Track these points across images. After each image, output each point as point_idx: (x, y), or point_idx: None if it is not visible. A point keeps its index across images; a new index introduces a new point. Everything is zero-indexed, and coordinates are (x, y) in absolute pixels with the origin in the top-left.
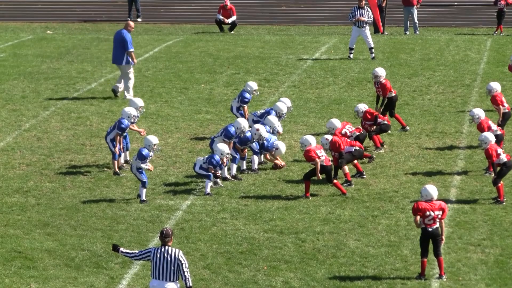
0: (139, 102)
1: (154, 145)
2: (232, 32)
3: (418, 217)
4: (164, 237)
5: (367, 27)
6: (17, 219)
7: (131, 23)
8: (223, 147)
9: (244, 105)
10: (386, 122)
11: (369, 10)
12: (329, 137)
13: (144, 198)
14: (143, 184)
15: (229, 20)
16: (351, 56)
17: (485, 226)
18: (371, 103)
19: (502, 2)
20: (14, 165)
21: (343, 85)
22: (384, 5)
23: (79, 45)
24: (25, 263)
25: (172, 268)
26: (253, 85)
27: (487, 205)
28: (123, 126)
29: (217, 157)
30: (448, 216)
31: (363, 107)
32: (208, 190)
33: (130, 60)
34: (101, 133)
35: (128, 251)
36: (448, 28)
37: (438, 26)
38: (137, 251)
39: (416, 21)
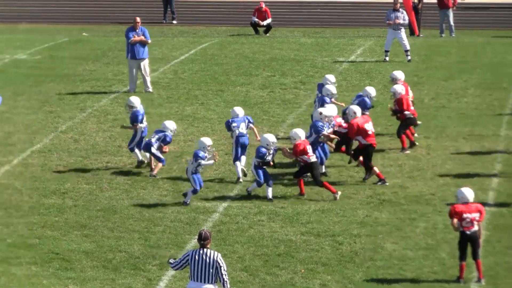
0: (207, 141)
1: (208, 146)
2: (267, 34)
3: (456, 220)
4: (203, 240)
5: (403, 30)
6: (54, 220)
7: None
8: (269, 137)
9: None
10: (412, 116)
11: (405, 12)
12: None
13: (188, 201)
14: (194, 191)
15: (264, 23)
16: (387, 58)
17: None
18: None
19: None
20: (51, 167)
21: (379, 87)
22: (419, 7)
23: (115, 47)
24: (63, 265)
25: (211, 270)
26: (331, 88)
27: None
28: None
29: (262, 149)
30: (486, 219)
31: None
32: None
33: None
34: None
35: (171, 261)
36: (485, 30)
37: (474, 29)
38: (177, 260)
39: (452, 23)
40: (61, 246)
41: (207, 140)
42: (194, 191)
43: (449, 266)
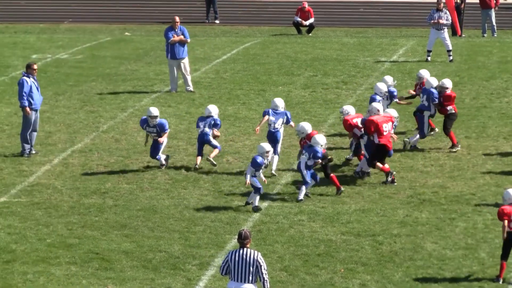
0: (267, 147)
1: (267, 152)
2: (310, 34)
3: (506, 222)
4: (243, 239)
5: (446, 30)
6: (94, 220)
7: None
8: (321, 138)
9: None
10: (454, 111)
11: (448, 12)
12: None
13: (257, 204)
14: (258, 191)
15: (307, 22)
16: (429, 58)
17: None
18: None
19: None
20: (92, 166)
21: None
22: (462, 7)
23: (157, 46)
24: (102, 265)
25: (251, 269)
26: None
27: None
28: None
29: (318, 148)
30: None
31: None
32: (301, 197)
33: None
34: (179, 135)
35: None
36: None
37: None
38: (221, 265)
39: (494, 23)
40: (101, 246)
41: (267, 146)
42: (258, 191)
43: (488, 266)
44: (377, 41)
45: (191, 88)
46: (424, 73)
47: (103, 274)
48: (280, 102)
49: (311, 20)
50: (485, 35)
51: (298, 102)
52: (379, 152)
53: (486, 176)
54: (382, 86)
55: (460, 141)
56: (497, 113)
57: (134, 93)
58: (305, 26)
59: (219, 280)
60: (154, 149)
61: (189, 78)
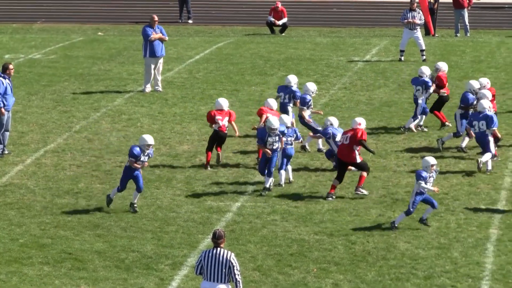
0: (432, 160)
1: (432, 166)
2: (283, 34)
3: None
4: (217, 239)
5: (419, 29)
6: (67, 220)
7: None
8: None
9: None
10: (445, 94)
11: (421, 12)
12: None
13: (396, 223)
14: (407, 212)
15: (280, 22)
16: (402, 58)
17: None
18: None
19: None
20: (65, 166)
21: (394, 87)
22: (435, 7)
23: (130, 46)
24: (75, 265)
25: (223, 269)
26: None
27: None
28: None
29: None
30: (498, 218)
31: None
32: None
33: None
34: (152, 135)
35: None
36: (499, 30)
37: (489, 28)
38: (195, 265)
39: (467, 23)
40: (74, 246)
41: (432, 160)
42: (408, 213)
43: (461, 265)
44: (350, 40)
45: (160, 88)
46: (442, 65)
47: (76, 274)
48: (284, 119)
49: (284, 20)
50: (458, 34)
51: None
52: None
53: (458, 176)
54: (311, 86)
55: (432, 141)
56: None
57: (107, 93)
58: (278, 26)
59: (192, 280)
60: (138, 181)
61: (160, 78)
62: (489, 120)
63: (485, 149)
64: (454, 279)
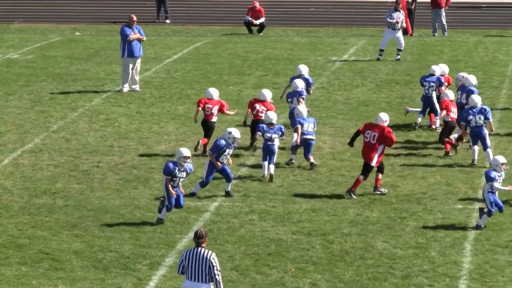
0: (501, 159)
1: (502, 164)
2: (261, 34)
3: None
4: (198, 238)
5: (401, 30)
6: (45, 220)
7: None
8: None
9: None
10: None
11: (403, 13)
12: None
13: (482, 224)
14: (489, 213)
15: (258, 22)
16: (381, 57)
17: None
18: (400, 104)
19: None
20: (42, 166)
21: (372, 86)
22: (413, 7)
23: (108, 46)
24: (52, 265)
25: (204, 269)
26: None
27: None
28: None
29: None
30: (475, 218)
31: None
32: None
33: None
34: (129, 135)
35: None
36: (477, 30)
37: (466, 28)
38: (178, 263)
39: (444, 23)
40: (51, 246)
41: (501, 158)
42: (489, 213)
43: (438, 265)
44: (328, 40)
45: (138, 88)
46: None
47: (54, 274)
48: (273, 115)
49: (262, 20)
50: (436, 34)
51: (249, 102)
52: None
53: (436, 175)
54: (300, 83)
55: (410, 142)
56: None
57: (85, 93)
58: (256, 25)
59: (169, 280)
60: (179, 197)
61: (138, 78)
62: (486, 113)
63: (483, 142)
64: (432, 279)
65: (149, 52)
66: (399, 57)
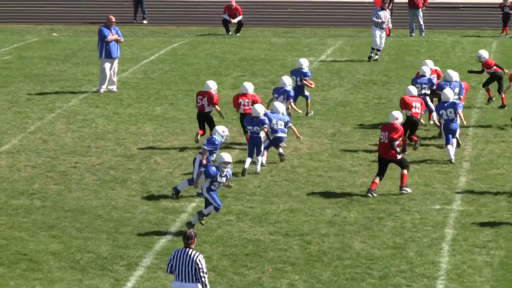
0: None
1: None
2: (238, 34)
3: None
4: (187, 239)
5: (384, 29)
6: (22, 221)
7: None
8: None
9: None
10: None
11: (389, 11)
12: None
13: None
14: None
15: (235, 20)
16: (374, 56)
17: (490, 228)
18: (377, 105)
19: (507, 9)
20: (20, 167)
21: (349, 87)
22: (390, 8)
23: (85, 47)
24: (30, 266)
25: (190, 270)
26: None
27: (492, 207)
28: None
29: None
30: (453, 218)
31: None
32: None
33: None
34: (107, 136)
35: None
36: (454, 30)
37: (443, 28)
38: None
39: (421, 23)
40: (29, 247)
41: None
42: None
43: (416, 265)
44: (305, 41)
45: (115, 89)
46: (483, 53)
47: (31, 275)
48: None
49: (239, 18)
50: (413, 34)
51: (226, 103)
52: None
53: (414, 176)
54: (287, 80)
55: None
56: (425, 112)
57: (62, 94)
58: (233, 24)
59: (147, 280)
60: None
61: (115, 79)
62: (456, 106)
63: (453, 136)
64: (410, 279)
65: (127, 52)
66: (377, 56)
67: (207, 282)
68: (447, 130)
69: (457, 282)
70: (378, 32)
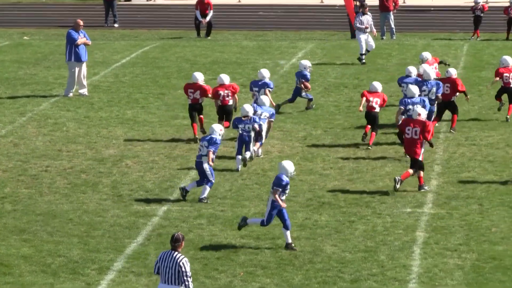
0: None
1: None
2: (209, 37)
3: None
4: (174, 242)
5: (369, 33)
6: None
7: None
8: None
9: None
10: None
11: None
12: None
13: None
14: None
15: (208, 18)
16: (363, 61)
17: (462, 231)
18: (348, 108)
19: (478, 12)
20: None
21: (320, 90)
22: (361, 11)
23: (56, 50)
24: (1, 270)
25: (174, 273)
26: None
27: (463, 210)
28: None
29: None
30: (424, 221)
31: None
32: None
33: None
34: (78, 139)
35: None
36: (425, 33)
37: (415, 31)
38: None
39: (392, 26)
40: (0, 251)
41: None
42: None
43: (387, 268)
44: (276, 44)
45: (86, 92)
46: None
47: (2, 279)
48: (248, 108)
49: (210, 14)
50: (384, 37)
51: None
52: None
53: (385, 179)
54: (266, 73)
55: (359, 145)
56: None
57: (33, 98)
58: (205, 25)
59: (118, 284)
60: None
61: (85, 82)
62: (423, 104)
63: None
64: (381, 282)
65: (98, 56)
66: (363, 60)
67: (191, 286)
68: None
69: (428, 285)
70: (363, 37)
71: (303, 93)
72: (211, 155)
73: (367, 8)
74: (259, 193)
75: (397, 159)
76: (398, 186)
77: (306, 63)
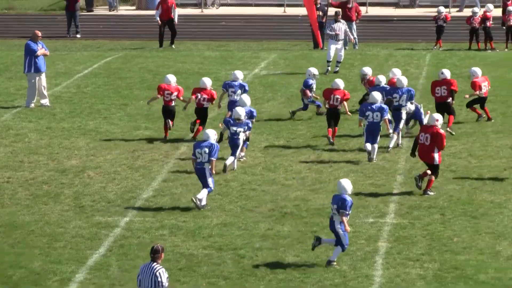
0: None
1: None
2: (173, 46)
3: None
4: (153, 253)
5: (342, 41)
6: None
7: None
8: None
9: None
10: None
11: (345, 23)
12: None
13: None
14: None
15: (175, 19)
16: (329, 69)
17: (424, 241)
18: (310, 119)
19: (441, 21)
20: None
21: (283, 100)
22: (324, 20)
23: (18, 61)
24: None
25: (150, 282)
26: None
27: (426, 220)
28: None
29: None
30: (386, 231)
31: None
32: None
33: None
34: (40, 150)
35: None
36: (388, 43)
37: (377, 41)
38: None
39: (355, 36)
40: None
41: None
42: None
43: (350, 279)
44: (238, 54)
45: (48, 103)
46: (477, 71)
47: None
48: (242, 111)
49: (176, 14)
50: (347, 47)
51: (160, 116)
52: None
53: None
54: (240, 74)
55: (321, 154)
56: (358, 126)
57: None
58: (175, 23)
59: None
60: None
61: (46, 93)
62: (383, 111)
63: (375, 138)
64: None
65: (60, 67)
66: (337, 69)
67: None
68: (369, 132)
69: None
70: (333, 45)
71: (305, 100)
72: (215, 165)
73: (340, 16)
74: (221, 203)
75: (360, 171)
76: (420, 184)
77: (313, 70)
